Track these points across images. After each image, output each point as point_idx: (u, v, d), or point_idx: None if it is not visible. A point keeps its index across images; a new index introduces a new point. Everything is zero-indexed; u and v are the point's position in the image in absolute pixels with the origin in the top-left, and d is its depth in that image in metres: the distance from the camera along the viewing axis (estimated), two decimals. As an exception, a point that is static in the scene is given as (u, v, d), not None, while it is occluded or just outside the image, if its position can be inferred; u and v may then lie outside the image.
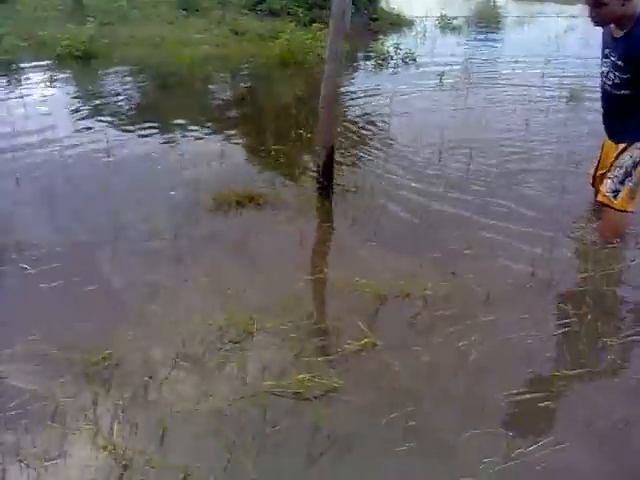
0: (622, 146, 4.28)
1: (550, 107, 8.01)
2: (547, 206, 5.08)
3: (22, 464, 2.62)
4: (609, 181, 4.35)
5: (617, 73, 4.14)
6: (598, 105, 4.64)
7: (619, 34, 4.11)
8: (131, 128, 7.20)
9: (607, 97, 4.37)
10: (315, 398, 3.00)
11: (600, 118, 4.62)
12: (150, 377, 3.13)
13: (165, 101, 8.77)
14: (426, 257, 4.26)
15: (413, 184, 5.54)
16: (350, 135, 7.02)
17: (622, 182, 4.26)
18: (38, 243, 4.38)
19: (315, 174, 5.35)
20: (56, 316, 3.61)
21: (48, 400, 2.94)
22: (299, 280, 4.01)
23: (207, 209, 5.01)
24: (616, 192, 4.30)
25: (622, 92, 4.18)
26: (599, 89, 4.47)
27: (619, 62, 4.10)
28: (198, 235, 4.61)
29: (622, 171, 4.25)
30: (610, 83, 4.24)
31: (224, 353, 3.32)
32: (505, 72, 10.48)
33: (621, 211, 4.34)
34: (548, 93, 8.80)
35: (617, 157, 4.30)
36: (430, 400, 3.02)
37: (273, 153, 6.21)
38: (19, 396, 2.96)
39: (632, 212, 4.38)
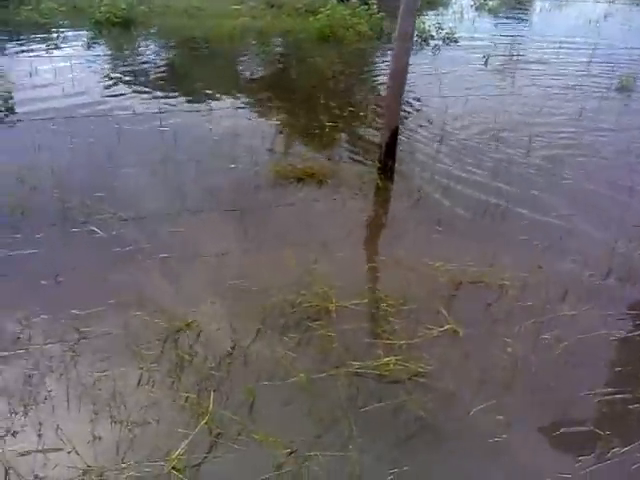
0: None
1: (602, 95, 7.87)
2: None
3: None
4: None
5: None
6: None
7: None
8: (180, 97, 7.16)
9: None
10: (401, 382, 2.98)
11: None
12: (233, 347, 3.13)
13: (208, 72, 8.69)
14: (496, 246, 4.21)
15: (472, 169, 5.47)
16: (405, 116, 6.93)
17: None
18: (103, 208, 4.39)
19: (376, 154, 5.29)
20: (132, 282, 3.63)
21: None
22: (370, 260, 3.99)
23: (269, 184, 4.97)
24: None
25: None
26: None
27: None
28: (263, 209, 4.58)
29: None
30: None
31: (305, 329, 3.31)
32: (550, 56, 10.29)
33: None
34: (598, 80, 8.65)
35: None
36: (518, 394, 2.99)
37: (327, 130, 6.15)
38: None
39: None
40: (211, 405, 2.74)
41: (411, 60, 4.91)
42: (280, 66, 9.45)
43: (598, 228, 4.54)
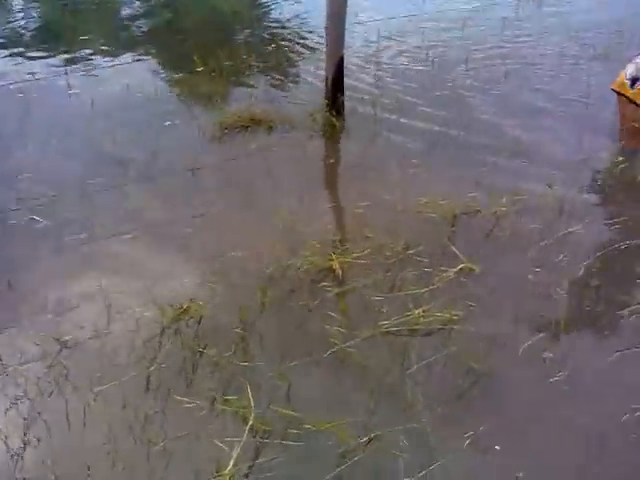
0: None
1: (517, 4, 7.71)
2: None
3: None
4: (632, 65, 4.02)
5: None
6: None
7: None
8: (73, 56, 6.32)
9: None
10: (436, 333, 2.76)
11: None
12: (244, 328, 2.77)
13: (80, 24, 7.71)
14: (472, 174, 3.99)
15: (416, 99, 5.17)
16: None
17: None
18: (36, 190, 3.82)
19: (317, 89, 4.92)
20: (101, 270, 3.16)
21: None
22: (354, 205, 3.68)
23: (216, 136, 4.50)
24: (635, 80, 4.02)
25: None
26: None
27: None
28: (219, 165, 4.14)
29: None
30: None
31: (314, 293, 2.99)
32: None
33: (635, 104, 4.07)
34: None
35: None
36: (560, 322, 2.80)
37: (257, 70, 5.67)
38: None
39: None
40: (252, 401, 2.39)
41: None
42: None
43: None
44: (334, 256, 3.19)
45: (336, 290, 3.01)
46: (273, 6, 7.87)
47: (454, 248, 3.23)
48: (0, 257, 3.33)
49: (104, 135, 4.51)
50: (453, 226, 3.49)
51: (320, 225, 3.50)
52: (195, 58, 5.46)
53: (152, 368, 2.59)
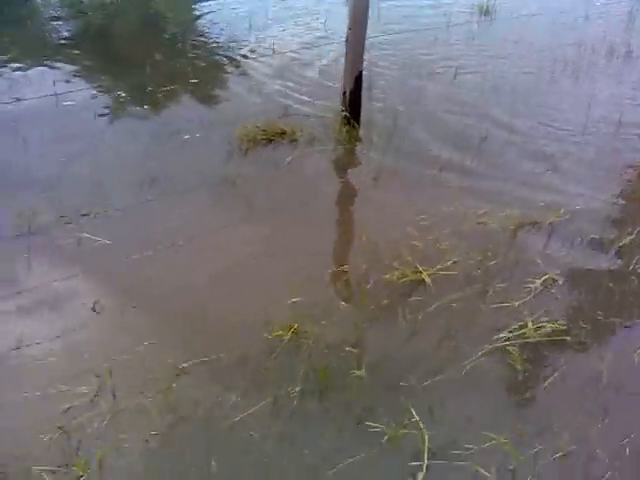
0: None
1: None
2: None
3: None
4: None
5: None
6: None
7: None
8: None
9: None
10: (547, 345, 2.79)
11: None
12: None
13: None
14: (507, 180, 4.12)
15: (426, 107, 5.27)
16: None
17: None
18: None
19: (331, 99, 4.91)
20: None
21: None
22: (410, 218, 3.65)
23: (242, 150, 4.36)
24: None
25: None
26: None
27: None
28: (252, 178, 4.03)
29: None
30: None
31: (411, 308, 2.96)
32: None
33: None
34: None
35: None
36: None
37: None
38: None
39: None
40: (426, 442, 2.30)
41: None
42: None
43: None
44: (421, 269, 3.17)
45: (436, 303, 2.99)
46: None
47: (538, 259, 3.31)
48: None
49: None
50: (514, 237, 3.57)
51: (385, 238, 3.45)
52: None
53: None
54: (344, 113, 4.76)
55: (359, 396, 2.48)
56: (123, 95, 5.26)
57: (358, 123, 4.76)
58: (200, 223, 3.59)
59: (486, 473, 2.17)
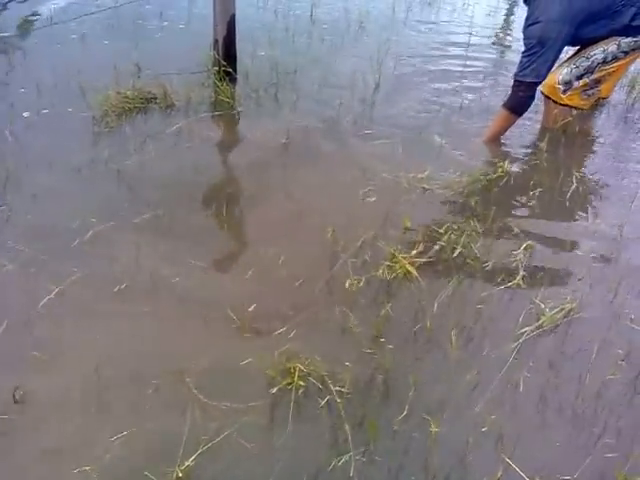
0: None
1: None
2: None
3: None
4: (566, 70, 3.68)
5: None
6: None
7: None
8: None
9: None
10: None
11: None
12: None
13: None
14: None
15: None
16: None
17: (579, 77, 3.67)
18: None
19: (202, 53, 4.04)
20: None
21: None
22: (359, 192, 3.07)
23: (106, 123, 3.39)
24: (568, 85, 3.68)
25: None
26: None
27: None
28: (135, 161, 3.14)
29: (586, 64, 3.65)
30: None
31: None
32: None
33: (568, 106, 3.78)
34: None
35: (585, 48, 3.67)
36: None
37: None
38: None
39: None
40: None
41: None
42: None
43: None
44: (399, 257, 2.63)
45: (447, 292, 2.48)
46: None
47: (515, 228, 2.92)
48: None
49: None
50: (476, 202, 3.12)
51: (347, 219, 2.86)
52: None
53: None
54: (217, 67, 3.95)
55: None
56: None
57: (234, 78, 3.98)
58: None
59: None
